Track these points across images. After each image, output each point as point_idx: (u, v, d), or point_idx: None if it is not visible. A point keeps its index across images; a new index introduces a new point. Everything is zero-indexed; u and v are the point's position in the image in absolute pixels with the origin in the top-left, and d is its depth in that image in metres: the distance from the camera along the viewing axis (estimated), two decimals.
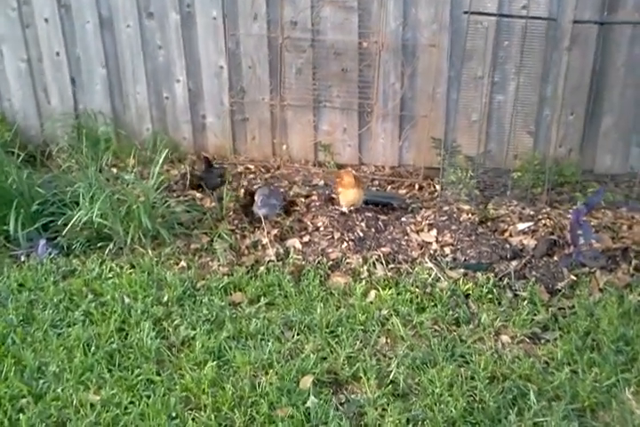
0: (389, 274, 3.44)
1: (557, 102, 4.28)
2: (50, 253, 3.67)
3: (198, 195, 4.27)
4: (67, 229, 3.60)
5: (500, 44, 4.29)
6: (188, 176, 4.47)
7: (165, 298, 3.23)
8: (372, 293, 3.29)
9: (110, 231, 3.75)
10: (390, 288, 3.30)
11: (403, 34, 4.39)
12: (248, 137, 4.92)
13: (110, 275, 3.46)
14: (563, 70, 4.24)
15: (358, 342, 2.91)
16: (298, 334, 2.97)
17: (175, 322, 3.05)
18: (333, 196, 4.25)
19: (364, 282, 3.36)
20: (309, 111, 4.73)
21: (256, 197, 4.08)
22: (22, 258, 3.66)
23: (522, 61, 4.21)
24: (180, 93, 4.88)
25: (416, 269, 3.49)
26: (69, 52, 4.90)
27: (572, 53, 4.20)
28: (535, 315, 3.12)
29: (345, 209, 4.00)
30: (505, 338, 2.98)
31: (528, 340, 2.97)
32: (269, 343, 2.88)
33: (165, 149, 4.70)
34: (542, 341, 2.97)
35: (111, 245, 3.68)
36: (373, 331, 2.99)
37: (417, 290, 3.27)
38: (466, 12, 4.10)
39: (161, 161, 3.86)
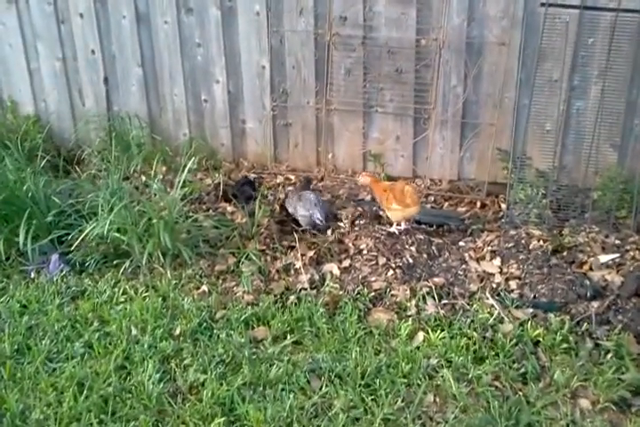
0: (442, 312, 2.90)
1: None
2: (62, 270, 3.32)
3: (229, 208, 3.84)
4: (77, 243, 3.23)
5: (582, 41, 3.66)
6: (222, 187, 4.05)
7: (178, 331, 2.80)
8: (420, 335, 2.76)
9: (128, 248, 3.36)
10: (442, 330, 2.76)
11: (467, 30, 3.83)
12: (290, 144, 4.46)
13: (122, 299, 3.07)
14: None
15: (399, 400, 2.39)
16: (327, 385, 2.47)
17: (185, 362, 2.62)
18: (381, 213, 3.73)
19: (410, 320, 2.83)
20: (359, 117, 4.24)
21: (292, 202, 3.59)
22: (32, 274, 3.32)
23: (608, 62, 3.59)
24: (219, 96, 4.48)
25: (474, 306, 2.93)
26: (105, 50, 4.58)
27: None
28: (623, 373, 2.51)
29: (394, 229, 3.47)
30: (584, 403, 2.39)
31: (614, 407, 2.37)
32: (291, 395, 2.40)
33: (200, 155, 4.37)
34: (633, 409, 2.36)
35: (127, 264, 3.29)
36: (419, 386, 2.46)
37: (475, 334, 2.72)
38: (543, 4, 3.53)
39: (187, 168, 3.44)
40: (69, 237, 3.37)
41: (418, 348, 2.67)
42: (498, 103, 3.92)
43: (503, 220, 3.67)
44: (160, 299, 3.03)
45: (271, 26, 4.12)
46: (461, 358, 2.57)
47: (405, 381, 2.47)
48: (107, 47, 4.57)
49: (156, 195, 3.62)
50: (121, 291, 3.12)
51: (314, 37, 4.08)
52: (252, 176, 4.21)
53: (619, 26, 3.50)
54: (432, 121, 4.05)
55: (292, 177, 4.39)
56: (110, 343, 2.74)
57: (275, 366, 2.55)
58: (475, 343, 2.67)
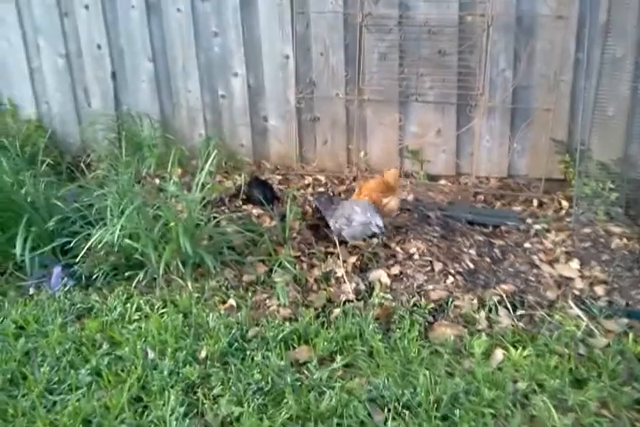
0: (520, 324, 2.41)
1: None
2: (65, 285, 2.86)
3: (255, 211, 3.38)
4: (82, 252, 2.76)
5: None
6: (244, 189, 3.60)
7: (203, 353, 2.32)
8: (498, 353, 2.26)
9: (142, 257, 2.90)
10: (524, 347, 2.27)
11: (517, 3, 3.41)
12: (318, 141, 4.02)
13: (136, 316, 2.60)
14: None
15: None
16: (394, 418, 1.98)
17: (214, 391, 2.13)
18: (429, 214, 3.26)
19: (483, 335, 2.34)
20: (394, 108, 3.79)
21: (341, 209, 3.11)
22: (31, 290, 2.86)
23: None
24: (238, 90, 4.05)
25: (556, 317, 2.44)
26: (112, 44, 4.18)
27: None
28: None
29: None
30: None
31: None
32: None
33: (218, 156, 3.92)
34: None
35: (142, 275, 2.82)
36: (510, 417, 1.96)
37: (566, 351, 2.23)
38: None
39: (207, 167, 2.99)
40: (74, 245, 2.91)
41: (499, 369, 2.18)
42: (552, 87, 3.48)
43: (572, 218, 3.19)
44: (181, 316, 2.56)
45: (295, 8, 3.70)
46: (556, 381, 2.07)
47: (492, 411, 1.97)
48: (114, 41, 4.18)
49: (172, 198, 3.16)
50: (134, 307, 2.65)
51: (343, 19, 3.67)
52: (264, 177, 3.77)
53: None
54: (479, 110, 3.60)
55: (322, 177, 3.93)
56: (123, 370, 2.26)
57: (325, 396, 2.06)
58: (569, 362, 2.17)
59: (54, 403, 2.11)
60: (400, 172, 3.88)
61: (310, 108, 3.93)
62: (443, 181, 3.83)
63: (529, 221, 3.26)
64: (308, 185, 3.82)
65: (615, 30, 3.27)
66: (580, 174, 3.26)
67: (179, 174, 3.76)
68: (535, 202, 3.53)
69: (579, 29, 3.37)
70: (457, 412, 1.96)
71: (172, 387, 2.14)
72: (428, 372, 2.13)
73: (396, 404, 2.01)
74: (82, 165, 3.66)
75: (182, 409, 2.03)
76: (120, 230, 2.78)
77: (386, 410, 2.01)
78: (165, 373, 2.20)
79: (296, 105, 3.89)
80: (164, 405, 2.05)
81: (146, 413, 2.05)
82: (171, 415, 2.00)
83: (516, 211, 3.45)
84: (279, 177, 3.94)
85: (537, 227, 3.15)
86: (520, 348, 2.25)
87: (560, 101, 3.50)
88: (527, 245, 2.99)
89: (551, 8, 3.34)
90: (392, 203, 3.14)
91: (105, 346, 2.40)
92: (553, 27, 3.37)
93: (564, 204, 3.44)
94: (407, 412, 1.99)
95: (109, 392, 2.15)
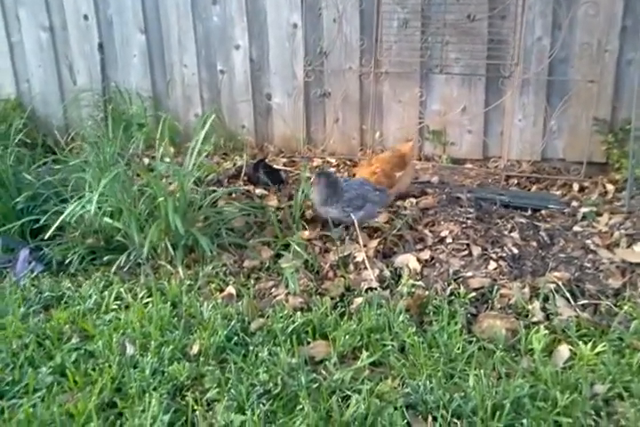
0: (584, 315, 1.97)
1: None
2: (32, 270, 2.41)
3: (258, 191, 2.94)
4: (52, 229, 2.31)
5: None
6: (245, 170, 3.16)
7: (196, 348, 1.87)
8: (564, 349, 1.82)
9: (125, 239, 2.46)
10: (594, 342, 1.82)
11: None
12: (328, 121, 3.59)
13: (115, 306, 2.14)
14: None
15: None
16: None
17: (208, 394, 1.67)
18: (459, 195, 2.83)
19: (542, 329, 1.89)
20: (415, 82, 3.38)
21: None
22: None
23: None
24: (239, 65, 3.64)
25: (625, 307, 2.00)
26: (100, 15, 3.79)
27: None
28: None
29: None
30: None
31: None
32: None
33: (216, 136, 3.53)
34: None
35: (124, 259, 2.38)
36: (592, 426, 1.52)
37: None
38: None
39: (201, 138, 2.54)
40: (45, 225, 2.47)
41: (569, 368, 1.73)
42: (595, 59, 3.07)
43: (623, 201, 2.76)
44: (169, 305, 2.11)
45: None
46: None
47: (569, 420, 1.52)
48: (102, 11, 3.78)
49: (163, 178, 2.72)
50: (113, 296, 2.20)
51: None
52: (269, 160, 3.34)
53: None
54: (511, 83, 3.19)
55: (333, 160, 3.51)
56: (94, 368, 1.80)
57: (351, 401, 1.61)
58: None
59: (2, 410, 1.65)
60: (420, 155, 3.49)
61: (320, 82, 3.51)
62: (469, 165, 3.41)
63: (574, 203, 2.83)
64: (317, 167, 3.38)
65: None
66: (633, 154, 2.84)
67: (171, 154, 3.33)
68: (576, 186, 3.10)
69: None
70: (524, 422, 1.51)
71: (154, 389, 1.69)
72: (479, 372, 1.68)
73: (444, 411, 1.56)
74: (62, 144, 3.23)
75: (166, 417, 1.57)
76: (99, 206, 2.34)
77: (430, 419, 1.56)
78: (147, 372, 1.75)
79: (304, 79, 3.48)
80: (143, 411, 1.59)
81: (119, 422, 1.59)
82: (151, 425, 1.54)
83: (557, 195, 3.02)
84: (284, 159, 3.51)
85: (585, 210, 2.72)
86: (589, 343, 1.81)
87: (604, 75, 3.09)
88: (577, 228, 2.56)
89: None
90: (405, 178, 2.79)
91: (74, 340, 1.95)
92: None
93: (610, 187, 3.02)
94: (458, 422, 1.53)
95: (75, 396, 1.69)
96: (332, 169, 3.36)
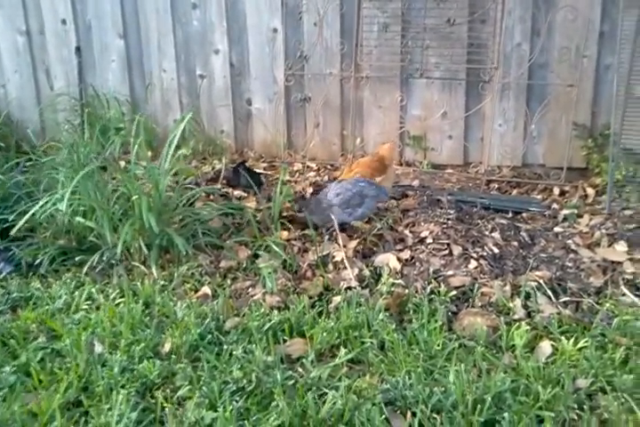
0: (566, 312, 1.93)
1: None
2: (1, 272, 2.33)
3: (237, 193, 2.89)
4: (19, 225, 2.24)
5: None
6: (224, 173, 3.12)
7: (167, 346, 1.80)
8: (546, 345, 1.78)
9: (98, 240, 2.39)
10: (575, 337, 1.79)
11: None
12: (308, 126, 3.57)
13: (85, 306, 2.07)
14: None
15: None
16: (421, 425, 1.47)
17: (179, 392, 1.60)
18: (439, 198, 2.81)
19: (523, 325, 1.85)
20: (395, 87, 3.37)
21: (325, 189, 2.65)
22: None
23: None
24: (218, 70, 3.61)
25: (607, 305, 1.97)
26: (78, 19, 3.75)
27: None
28: None
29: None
30: None
31: None
32: None
33: (195, 140, 3.49)
34: None
35: (96, 260, 2.30)
36: (575, 421, 1.47)
37: (624, 340, 1.75)
38: None
39: (179, 134, 2.49)
40: (14, 225, 2.39)
41: (551, 363, 1.69)
42: (573, 65, 3.10)
43: (604, 204, 2.76)
44: (141, 305, 2.04)
45: None
46: (626, 377, 1.59)
47: (551, 414, 1.47)
48: (81, 15, 3.74)
49: (138, 180, 2.66)
50: (84, 296, 2.12)
51: None
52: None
53: None
54: (490, 88, 3.20)
55: (313, 164, 3.47)
56: (61, 367, 1.72)
57: (328, 397, 1.55)
58: (638, 355, 1.69)
59: None
60: (401, 160, 3.47)
61: (300, 86, 3.49)
62: (449, 171, 3.40)
63: (555, 206, 2.82)
64: (297, 172, 3.35)
65: None
66: (613, 158, 2.84)
67: (148, 158, 3.27)
68: (556, 191, 3.10)
69: None
70: (505, 416, 1.46)
71: (122, 387, 1.61)
72: (459, 368, 1.63)
73: (423, 406, 1.51)
74: (38, 148, 3.16)
75: (134, 415, 1.50)
76: (71, 204, 2.28)
77: (409, 414, 1.50)
78: (116, 370, 1.67)
79: (285, 83, 3.46)
80: (109, 410, 1.52)
81: (86, 420, 1.52)
82: (118, 423, 1.46)
83: (538, 198, 3.01)
84: (264, 164, 3.47)
85: (566, 212, 2.71)
86: (572, 338, 1.77)
87: (583, 80, 3.11)
88: (558, 229, 2.54)
89: None
90: (385, 182, 2.76)
91: (41, 339, 1.87)
92: None
93: (590, 191, 3.01)
94: (438, 416, 1.48)
95: (39, 395, 1.61)
96: (312, 173, 3.32)
